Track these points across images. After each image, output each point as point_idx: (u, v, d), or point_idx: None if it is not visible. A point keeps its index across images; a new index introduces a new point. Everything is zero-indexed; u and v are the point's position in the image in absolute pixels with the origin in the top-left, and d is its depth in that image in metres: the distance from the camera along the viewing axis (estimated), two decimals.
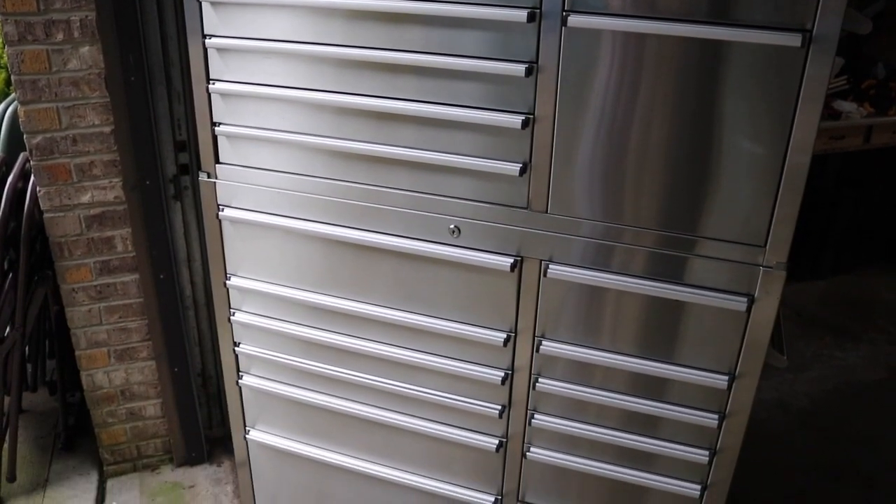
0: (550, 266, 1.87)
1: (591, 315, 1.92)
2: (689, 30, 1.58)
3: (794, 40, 1.51)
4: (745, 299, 1.75)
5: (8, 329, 2.68)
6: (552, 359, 1.99)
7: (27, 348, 3.01)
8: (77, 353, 2.81)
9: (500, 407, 2.09)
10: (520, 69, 1.69)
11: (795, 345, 3.87)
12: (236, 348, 2.34)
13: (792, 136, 1.59)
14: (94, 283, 2.71)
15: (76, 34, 2.37)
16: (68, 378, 3.09)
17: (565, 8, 1.64)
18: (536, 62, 1.70)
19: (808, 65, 1.53)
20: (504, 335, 1.99)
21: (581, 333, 1.94)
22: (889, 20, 4.04)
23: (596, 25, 1.63)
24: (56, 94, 2.43)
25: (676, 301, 1.81)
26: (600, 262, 1.84)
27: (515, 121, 1.74)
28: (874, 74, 4.01)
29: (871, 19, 3.87)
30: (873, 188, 4.42)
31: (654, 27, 1.60)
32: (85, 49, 2.39)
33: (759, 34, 1.54)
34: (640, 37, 1.62)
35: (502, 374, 2.04)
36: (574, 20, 1.64)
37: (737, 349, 1.82)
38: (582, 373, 1.98)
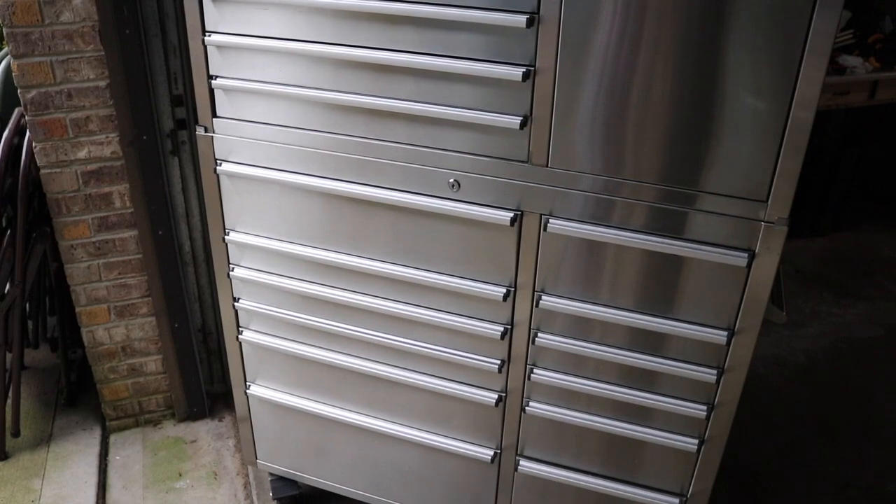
0: (550, 220, 1.86)
1: (591, 270, 1.91)
2: None
3: None
4: (745, 255, 1.75)
5: (8, 286, 2.68)
6: (551, 313, 1.99)
7: (27, 305, 3.02)
8: (77, 309, 2.82)
9: (499, 361, 2.09)
10: (521, 20, 1.66)
11: (794, 301, 3.88)
12: (236, 304, 2.34)
13: (796, 90, 1.56)
14: (93, 239, 2.70)
15: None
16: (69, 334, 3.10)
17: None
18: (538, 13, 1.66)
19: (814, 17, 1.50)
20: (504, 290, 1.98)
21: (580, 288, 1.94)
22: None
23: None
24: (49, 48, 2.39)
25: (676, 256, 1.81)
26: (600, 216, 1.83)
27: (516, 73, 1.72)
28: (881, 28, 3.95)
29: None
30: (876, 145, 4.38)
31: None
32: (78, 1, 2.35)
33: None
34: None
35: (502, 328, 2.04)
36: None
37: (736, 305, 1.82)
38: (581, 328, 1.98)
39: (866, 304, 3.94)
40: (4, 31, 2.36)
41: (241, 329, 2.39)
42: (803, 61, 1.54)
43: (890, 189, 4.65)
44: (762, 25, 1.54)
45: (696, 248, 1.78)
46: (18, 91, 2.45)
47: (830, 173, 4.26)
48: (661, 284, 1.87)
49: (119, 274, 2.78)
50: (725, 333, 1.85)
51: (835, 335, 3.70)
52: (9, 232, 2.66)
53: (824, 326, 3.76)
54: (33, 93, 2.45)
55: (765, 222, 1.71)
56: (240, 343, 2.41)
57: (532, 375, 2.08)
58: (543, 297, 1.96)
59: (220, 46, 1.99)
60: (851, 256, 4.33)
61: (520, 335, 2.04)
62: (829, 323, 3.78)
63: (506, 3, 1.68)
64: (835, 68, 3.68)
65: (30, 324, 3.22)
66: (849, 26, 3.79)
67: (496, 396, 2.15)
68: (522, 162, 1.84)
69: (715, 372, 1.90)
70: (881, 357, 3.58)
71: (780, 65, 1.56)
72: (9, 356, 2.81)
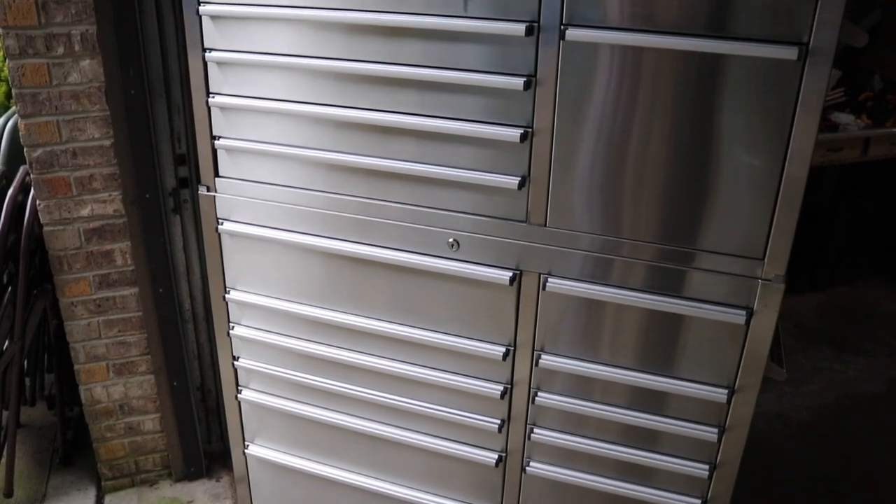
0: (549, 279, 1.88)
1: (591, 329, 1.91)
2: (687, 43, 1.59)
3: (790, 53, 1.52)
4: (743, 312, 1.75)
5: (7, 343, 2.68)
6: (551, 372, 1.98)
7: (26, 362, 3.00)
8: (76, 367, 2.81)
9: (499, 421, 2.08)
10: (518, 83, 1.70)
11: (795, 357, 3.86)
12: (235, 362, 2.34)
13: (790, 147, 1.60)
14: (94, 296, 2.70)
15: (77, 48, 2.37)
16: (67, 392, 3.08)
17: (563, 22, 1.65)
18: (535, 76, 1.70)
19: (805, 77, 1.53)
20: (503, 349, 1.98)
21: (580, 347, 1.94)
22: (885, 32, 4.06)
23: (594, 39, 1.64)
24: (56, 108, 2.44)
25: (675, 314, 1.81)
26: (599, 275, 1.84)
27: (514, 134, 1.75)
28: (871, 87, 4.02)
29: (868, 31, 3.90)
30: (871, 200, 4.42)
31: (652, 41, 1.60)
32: (85, 62, 2.40)
33: (755, 47, 1.54)
34: (638, 50, 1.63)
35: (501, 388, 2.03)
36: (572, 34, 1.65)
37: (736, 362, 1.82)
38: (581, 386, 1.98)
39: (867, 359, 3.92)
40: (13, 91, 2.40)
41: (240, 388, 2.38)
42: (796, 119, 1.57)
43: (886, 243, 4.67)
44: (755, 84, 1.58)
45: (694, 307, 1.79)
46: (24, 150, 2.49)
47: (827, 228, 4.28)
48: (660, 343, 1.87)
49: (119, 331, 2.78)
50: (726, 391, 1.84)
51: (837, 391, 3.67)
52: (10, 289, 2.67)
53: (826, 382, 3.73)
54: (39, 151, 2.48)
55: (762, 280, 1.72)
56: (239, 402, 2.40)
57: (532, 435, 2.07)
58: (543, 357, 1.96)
59: (223, 108, 2.03)
60: (850, 311, 4.33)
61: (520, 394, 2.04)
62: (831, 379, 3.76)
63: (504, 65, 1.72)
64: (827, 125, 3.74)
65: (27, 381, 3.20)
66: (839, 84, 3.86)
67: (496, 456, 2.13)
68: (521, 222, 1.86)
69: (716, 431, 1.89)
70: (884, 413, 3.55)
71: (773, 122, 1.59)
72: (4, 413, 2.78)
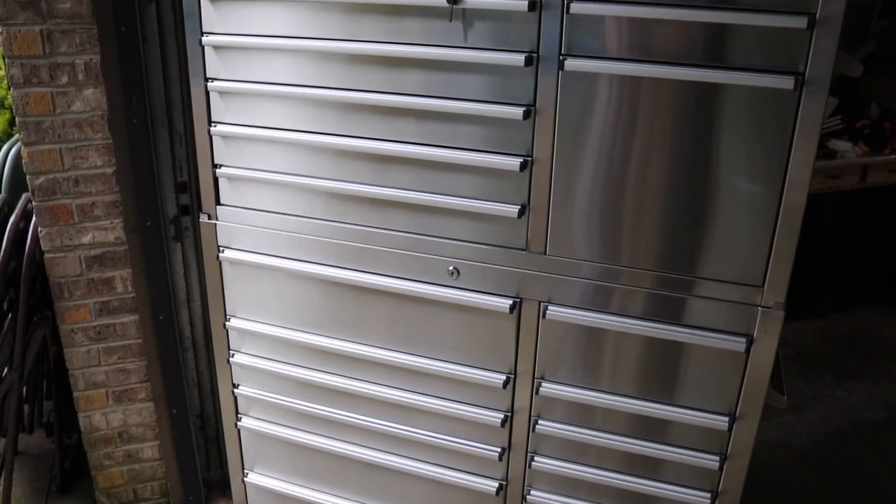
0: (549, 307, 1.88)
1: (591, 356, 1.91)
2: (684, 73, 1.61)
3: (787, 83, 1.54)
4: (743, 340, 1.75)
5: (6, 370, 2.67)
6: (552, 400, 1.98)
7: (25, 389, 2.99)
8: (75, 394, 2.80)
9: (499, 449, 2.07)
10: (518, 112, 1.72)
11: (796, 384, 3.85)
12: (235, 390, 2.33)
13: (788, 175, 1.61)
14: (94, 323, 2.70)
15: (80, 77, 2.39)
16: (65, 419, 3.06)
17: (562, 52, 1.67)
18: (534, 105, 1.72)
19: (801, 106, 1.55)
20: (503, 377, 1.98)
21: (580, 375, 1.93)
22: (880, 61, 4.10)
23: (592, 69, 1.66)
24: (59, 136, 2.45)
25: (675, 342, 1.82)
26: (599, 303, 1.85)
27: (514, 163, 1.76)
28: (868, 114, 4.05)
29: (862, 61, 3.94)
30: (870, 227, 4.43)
31: (650, 70, 1.62)
32: (89, 91, 2.42)
33: (752, 77, 1.56)
34: (636, 80, 1.65)
35: (502, 416, 2.03)
36: (571, 64, 1.67)
37: (737, 390, 1.82)
38: (582, 414, 1.97)
39: (869, 386, 3.90)
40: (17, 119, 2.42)
41: (240, 415, 2.37)
42: (793, 146, 1.59)
43: (886, 270, 4.67)
44: (752, 113, 1.60)
45: (694, 334, 1.79)
46: (27, 177, 2.50)
47: (826, 255, 4.29)
48: (661, 370, 1.87)
49: (119, 359, 2.77)
50: (727, 419, 1.84)
51: (839, 419, 3.65)
52: (10, 315, 2.67)
53: (828, 410, 3.71)
54: (41, 179, 2.49)
55: (762, 307, 1.73)
56: (238, 430, 2.39)
57: (533, 463, 2.06)
58: (543, 384, 1.96)
59: (224, 136, 2.05)
60: (851, 338, 4.32)
61: (520, 422, 2.03)
62: (833, 406, 3.74)
63: (504, 95, 1.74)
64: (825, 153, 3.76)
65: (26, 408, 3.19)
66: (837, 112, 3.89)
67: (497, 485, 2.11)
68: (521, 250, 1.87)
69: (718, 458, 1.88)
70: (887, 440, 3.53)
71: (771, 150, 1.61)
72: (2, 441, 2.77)
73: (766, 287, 1.71)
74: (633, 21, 1.63)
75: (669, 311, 1.80)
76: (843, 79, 3.79)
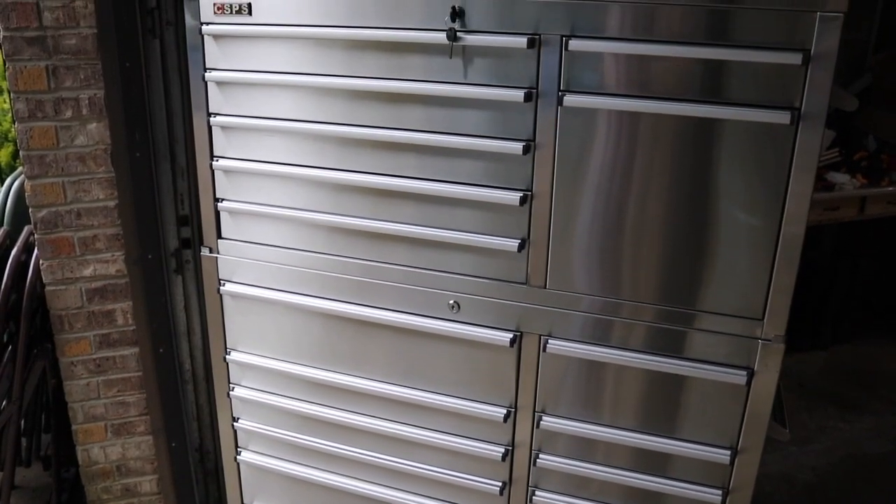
0: (550, 341, 1.88)
1: (592, 390, 1.91)
2: (682, 108, 1.63)
3: (783, 118, 1.55)
4: (744, 373, 1.75)
5: (4, 402, 2.66)
6: (553, 434, 1.97)
7: (23, 422, 2.97)
8: (74, 427, 2.78)
9: (500, 484, 2.06)
10: (517, 147, 1.73)
11: (799, 417, 3.82)
12: (235, 423, 2.32)
13: (786, 207, 1.62)
14: (94, 356, 2.69)
15: (84, 111, 2.41)
16: (63, 453, 3.04)
17: (561, 88, 1.69)
18: (534, 140, 1.74)
19: (798, 139, 1.57)
20: (504, 410, 1.97)
21: (581, 408, 1.93)
22: (876, 94, 4.14)
23: (591, 105, 1.68)
24: (62, 169, 2.47)
25: (676, 375, 1.81)
26: (599, 336, 1.85)
27: (514, 197, 1.77)
28: (865, 146, 4.08)
29: (859, 94, 3.98)
30: (870, 258, 4.44)
31: (648, 106, 1.64)
32: (92, 125, 2.44)
33: (749, 112, 1.58)
34: (635, 114, 1.67)
35: (503, 450, 2.02)
36: (570, 100, 1.69)
37: (738, 423, 1.81)
38: (583, 448, 1.96)
39: (873, 418, 3.88)
40: (21, 153, 2.44)
41: (239, 449, 2.36)
42: (791, 179, 1.60)
43: (887, 301, 4.67)
44: (750, 147, 1.62)
45: (694, 367, 1.79)
46: (30, 210, 2.51)
47: (827, 286, 4.29)
48: (662, 403, 1.87)
49: (118, 391, 2.76)
50: (728, 452, 1.83)
51: (843, 451, 3.62)
52: (10, 348, 2.66)
53: (831, 442, 3.68)
54: (44, 212, 2.50)
55: (762, 340, 1.73)
56: (238, 463, 2.38)
57: (534, 498, 2.04)
58: (544, 418, 1.95)
59: (226, 170, 2.07)
60: (853, 370, 4.30)
61: (521, 456, 2.02)
62: (837, 438, 3.71)
63: (504, 130, 1.76)
64: (824, 185, 3.78)
65: (23, 441, 3.17)
66: (834, 144, 3.91)
67: None
68: (521, 283, 1.87)
69: (720, 492, 1.87)
70: (892, 473, 3.50)
71: (769, 184, 1.62)
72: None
73: (765, 320, 1.71)
74: (630, 58, 1.65)
75: (670, 345, 1.80)
76: (840, 112, 3.82)
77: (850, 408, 3.95)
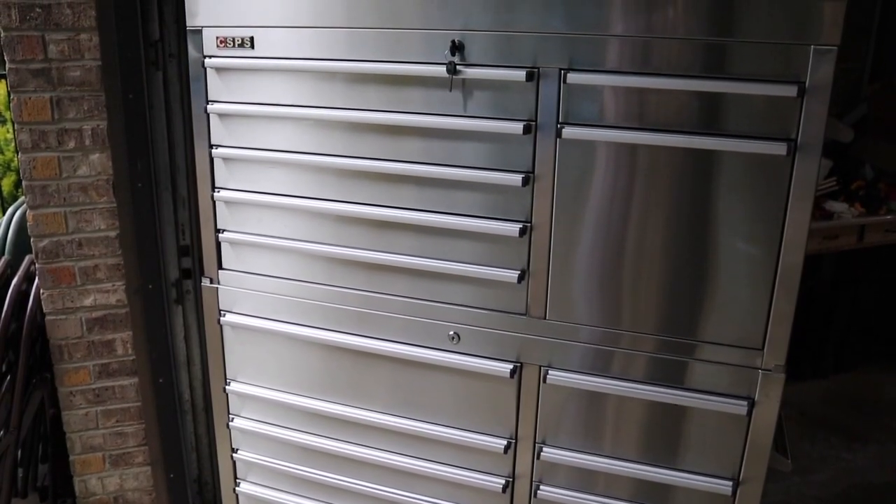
0: (550, 372, 1.88)
1: (592, 421, 1.90)
2: (679, 140, 1.64)
3: (779, 149, 1.57)
4: (745, 403, 1.75)
5: (2, 432, 2.65)
6: (553, 465, 1.96)
7: (20, 452, 2.96)
8: (71, 457, 2.76)
9: None
10: (517, 179, 1.75)
11: (801, 446, 3.80)
12: (234, 454, 2.31)
13: (784, 236, 1.63)
14: (93, 386, 2.69)
15: (87, 142, 2.44)
16: (61, 483, 3.02)
17: (560, 120, 1.71)
18: (533, 172, 1.75)
19: (795, 170, 1.59)
20: (504, 442, 1.97)
21: (582, 439, 1.92)
22: (872, 123, 4.17)
23: (589, 137, 1.70)
24: (65, 199, 2.48)
25: (677, 406, 1.81)
26: (600, 367, 1.84)
27: (513, 229, 1.78)
28: (862, 175, 4.10)
29: (855, 123, 4.00)
30: (870, 286, 4.44)
31: (646, 138, 1.66)
32: (95, 156, 2.46)
33: (746, 143, 1.60)
34: (633, 146, 1.68)
35: (503, 481, 2.00)
36: (568, 132, 1.70)
37: (740, 453, 1.80)
38: (584, 479, 1.95)
39: (876, 447, 3.85)
40: (24, 183, 2.45)
41: (238, 480, 2.34)
42: (789, 209, 1.61)
43: (889, 329, 4.66)
44: (748, 177, 1.63)
45: (695, 398, 1.79)
46: (31, 240, 2.52)
47: (828, 315, 4.28)
48: (663, 434, 1.86)
49: (117, 422, 2.75)
50: (730, 483, 1.82)
51: (846, 481, 3.59)
52: (8, 377, 2.65)
53: (835, 472, 3.65)
54: (45, 241, 2.51)
55: (762, 370, 1.73)
56: (237, 495, 2.36)
57: None
58: (545, 449, 1.94)
59: (227, 201, 2.08)
60: (856, 398, 4.28)
61: (521, 488, 2.00)
62: (840, 468, 3.68)
63: (503, 162, 1.77)
64: (822, 214, 3.79)
65: (20, 471, 3.14)
66: (832, 173, 3.93)
67: None
68: (521, 314, 1.87)
69: None
70: None
71: (767, 213, 1.64)
72: None
73: (765, 349, 1.71)
74: (628, 90, 1.67)
75: (670, 375, 1.79)
76: (836, 141, 3.85)
77: (853, 437, 3.93)
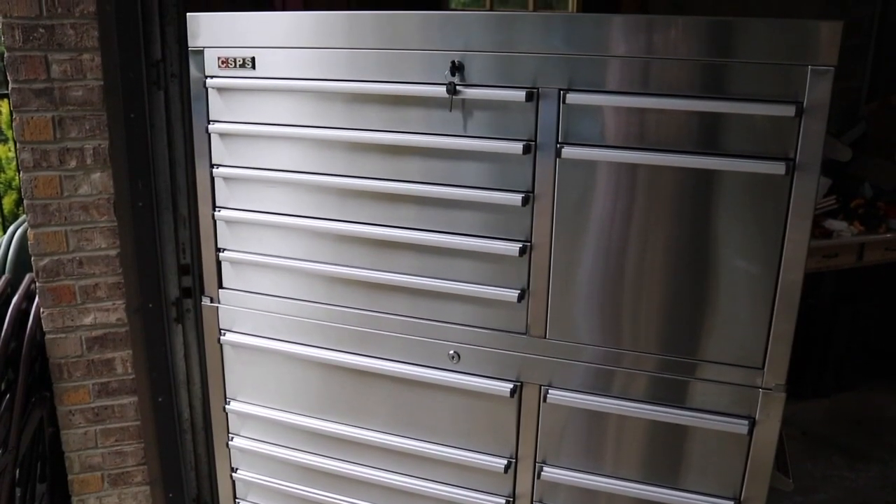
0: (550, 391, 1.87)
1: (593, 440, 1.90)
2: (679, 160, 1.65)
3: (778, 168, 1.58)
4: (746, 422, 1.74)
5: (0, 452, 2.63)
6: (554, 485, 1.95)
7: (18, 471, 2.94)
8: (70, 477, 2.75)
9: None
10: (516, 198, 1.75)
11: (803, 465, 3.78)
12: (234, 474, 2.30)
13: (784, 255, 1.63)
14: (92, 405, 2.68)
15: (89, 161, 2.45)
16: (59, 503, 3.00)
17: (559, 140, 1.72)
18: (532, 191, 1.76)
19: (794, 189, 1.59)
20: (505, 461, 1.96)
21: (583, 459, 1.91)
22: (870, 142, 4.19)
23: (589, 157, 1.71)
24: (66, 218, 2.49)
25: (677, 425, 1.80)
26: (600, 386, 1.84)
27: (513, 248, 1.79)
28: (862, 193, 4.11)
29: (853, 142, 4.02)
30: (870, 304, 4.44)
31: (645, 158, 1.67)
32: (96, 175, 2.47)
33: (745, 163, 1.61)
34: (633, 166, 1.69)
35: (503, 501, 1.99)
36: (568, 152, 1.71)
37: (741, 473, 1.80)
38: (585, 499, 1.94)
39: (879, 466, 3.83)
40: (25, 202, 2.46)
41: (237, 500, 2.33)
42: (788, 227, 1.62)
43: (891, 347, 4.65)
44: (747, 196, 1.63)
45: (696, 417, 1.78)
46: (32, 258, 2.52)
47: (828, 333, 4.28)
48: (664, 454, 1.85)
49: (116, 441, 2.74)
50: (731, 503, 1.81)
51: (849, 501, 3.57)
52: (7, 396, 2.65)
53: (838, 492, 3.63)
54: (46, 260, 2.52)
55: (763, 389, 1.72)
56: None
57: None
58: (545, 469, 1.93)
59: (228, 221, 2.08)
60: (857, 417, 4.27)
61: None
62: (843, 488, 3.66)
63: (502, 182, 1.78)
64: (821, 232, 3.80)
65: (17, 491, 3.13)
66: (831, 192, 3.94)
67: None
68: (521, 334, 1.87)
69: None
70: None
71: (767, 231, 1.64)
72: None
73: (766, 368, 1.71)
74: (627, 110, 1.68)
75: (671, 394, 1.79)
76: (835, 160, 3.87)
77: (856, 456, 3.91)
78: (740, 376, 1.74)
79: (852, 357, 4.47)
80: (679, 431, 1.81)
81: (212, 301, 2.16)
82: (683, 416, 1.79)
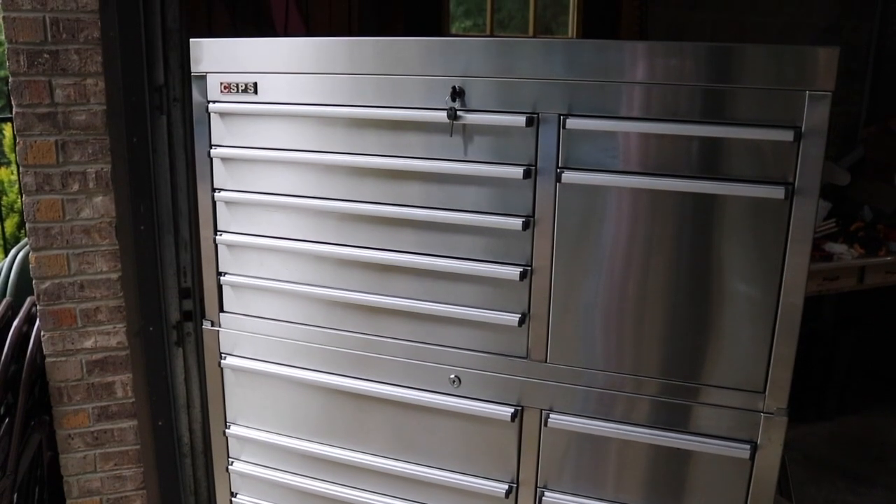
0: (551, 415, 1.87)
1: (594, 465, 1.89)
2: (679, 185, 1.66)
3: (777, 193, 1.59)
4: (748, 446, 1.74)
5: None
6: None
7: (15, 496, 2.92)
8: (68, 501, 2.73)
9: None
10: (517, 223, 1.76)
11: (806, 490, 3.74)
12: (233, 499, 2.29)
13: (784, 278, 1.64)
14: (91, 428, 2.67)
15: (91, 185, 2.46)
16: None
17: (559, 165, 1.73)
18: (533, 216, 1.76)
19: (793, 212, 1.60)
20: (506, 486, 1.95)
21: (584, 484, 1.90)
22: (869, 166, 4.20)
23: (589, 182, 1.71)
24: (67, 242, 2.50)
25: (679, 449, 1.79)
26: (602, 411, 1.83)
27: (513, 272, 1.79)
28: (861, 217, 4.12)
29: (852, 166, 4.04)
30: (872, 328, 4.43)
31: (645, 182, 1.68)
32: (98, 199, 2.48)
33: (745, 188, 1.61)
34: (633, 190, 1.69)
35: None
36: (568, 176, 1.72)
37: (743, 498, 1.79)
38: None
39: (884, 492, 3.80)
40: (27, 225, 2.47)
41: None
42: (788, 251, 1.62)
43: (891, 370, 4.64)
44: (747, 220, 1.64)
45: (697, 442, 1.78)
46: (33, 281, 2.53)
47: (830, 356, 4.27)
48: (665, 478, 1.84)
49: (115, 465, 2.72)
50: None
51: None
52: (7, 420, 2.64)
53: None
54: (47, 283, 2.52)
55: (764, 413, 1.72)
56: None
57: None
58: (547, 494, 1.92)
59: (229, 245, 2.09)
60: (860, 441, 4.24)
61: None
62: None
63: (503, 206, 1.78)
64: (822, 255, 3.80)
65: None
66: (831, 215, 3.95)
67: None
68: (522, 358, 1.87)
69: None
70: None
71: (767, 255, 1.64)
72: None
73: (767, 392, 1.71)
74: (627, 135, 1.69)
75: (672, 419, 1.78)
76: (834, 184, 3.88)
77: (860, 481, 3.88)
78: (742, 400, 1.73)
79: (854, 380, 4.45)
80: (681, 456, 1.80)
81: (213, 325, 2.16)
82: (685, 440, 1.78)
